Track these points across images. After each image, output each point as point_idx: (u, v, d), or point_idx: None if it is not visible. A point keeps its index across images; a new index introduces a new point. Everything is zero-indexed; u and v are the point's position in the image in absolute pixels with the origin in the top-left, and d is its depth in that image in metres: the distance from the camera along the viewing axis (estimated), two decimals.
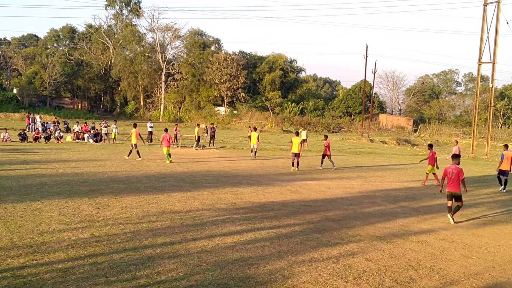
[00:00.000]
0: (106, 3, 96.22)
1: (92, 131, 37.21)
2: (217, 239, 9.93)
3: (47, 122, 42.59)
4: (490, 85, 43.72)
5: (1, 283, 6.95)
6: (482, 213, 14.92)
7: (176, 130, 39.05)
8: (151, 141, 38.07)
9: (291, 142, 24.93)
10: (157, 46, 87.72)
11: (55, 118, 50.64)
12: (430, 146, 22.31)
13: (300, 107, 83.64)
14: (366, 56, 66.44)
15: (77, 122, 41.69)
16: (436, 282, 8.09)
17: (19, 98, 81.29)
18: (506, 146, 22.20)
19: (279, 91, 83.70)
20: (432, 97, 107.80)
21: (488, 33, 41.18)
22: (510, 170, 20.96)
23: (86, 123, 40.98)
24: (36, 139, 33.88)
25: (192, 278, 7.55)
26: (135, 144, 25.90)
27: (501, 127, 78.91)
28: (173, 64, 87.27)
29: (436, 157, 21.29)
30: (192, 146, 35.40)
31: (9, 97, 78.59)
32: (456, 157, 13.88)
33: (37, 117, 43.93)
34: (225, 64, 79.89)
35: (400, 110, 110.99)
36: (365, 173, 24.18)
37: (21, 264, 7.80)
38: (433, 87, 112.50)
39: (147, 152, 30.11)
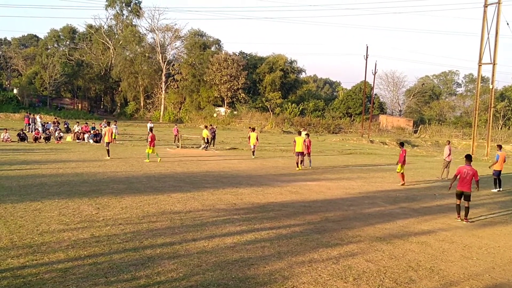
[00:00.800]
0: (107, 3, 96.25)
1: (92, 132, 37.20)
2: (217, 239, 9.94)
3: (47, 123, 42.56)
4: (490, 86, 43.74)
5: (1, 283, 6.95)
6: (482, 214, 14.93)
7: (176, 130, 39.04)
8: None
9: (295, 141, 25.06)
10: (158, 47, 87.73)
11: (55, 118, 50.61)
12: (401, 144, 22.08)
13: (300, 108, 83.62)
14: (367, 57, 66.44)
15: (77, 122, 41.68)
16: (436, 283, 8.10)
17: (19, 98, 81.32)
18: (499, 147, 22.39)
19: (279, 92, 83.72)
20: (432, 98, 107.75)
21: (488, 34, 41.22)
22: (501, 170, 21.22)
23: (86, 123, 40.94)
24: (36, 139, 33.86)
25: (192, 278, 7.56)
26: (108, 143, 25.89)
27: (501, 128, 78.84)
28: (173, 64, 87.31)
29: (405, 156, 20.79)
30: (199, 147, 35.31)
31: (9, 97, 78.62)
32: (469, 157, 14.15)
33: (37, 117, 43.89)
34: (225, 65, 79.90)
35: (400, 111, 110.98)
36: (365, 174, 24.19)
37: (21, 264, 7.81)
38: (433, 88, 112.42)
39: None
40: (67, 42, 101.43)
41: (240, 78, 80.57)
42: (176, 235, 10.09)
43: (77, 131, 37.57)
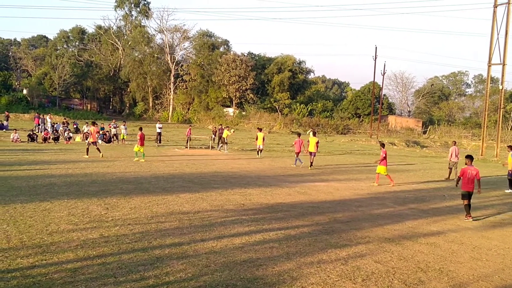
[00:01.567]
0: (116, 4, 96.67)
1: (101, 132, 37.32)
2: (226, 240, 9.93)
3: (56, 123, 42.74)
4: (500, 87, 43.54)
5: (11, 283, 6.98)
6: (491, 215, 14.85)
7: (189, 131, 39.09)
8: (160, 142, 38.12)
9: (308, 141, 25.88)
10: (166, 47, 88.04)
11: (64, 119, 50.85)
12: (382, 145, 21.93)
13: (309, 109, 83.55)
14: (375, 58, 66.34)
15: (87, 123, 41.86)
16: (445, 284, 8.05)
17: (29, 98, 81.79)
18: (510, 147, 22.20)
19: (288, 93, 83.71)
20: (442, 98, 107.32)
21: (498, 34, 41.03)
22: None
23: (96, 124, 41.02)
24: (45, 139, 34.03)
25: (200, 279, 7.55)
26: (94, 142, 26.12)
27: (511, 129, 78.36)
28: (182, 65, 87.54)
29: (384, 157, 20.78)
30: (207, 147, 35.38)
31: (19, 97, 79.07)
32: (470, 158, 14.33)
33: (47, 117, 44.10)
34: (234, 65, 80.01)
35: (409, 111, 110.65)
36: (374, 175, 24.05)
37: (30, 264, 7.83)
38: (443, 88, 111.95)
39: (155, 152, 30.21)
40: (76, 43, 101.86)
41: (249, 79, 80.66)
42: (184, 236, 10.10)
43: (86, 132, 37.69)
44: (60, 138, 35.28)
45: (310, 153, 25.61)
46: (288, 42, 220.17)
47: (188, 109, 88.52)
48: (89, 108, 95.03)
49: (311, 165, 25.41)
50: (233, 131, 40.01)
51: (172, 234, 10.20)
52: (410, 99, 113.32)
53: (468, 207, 13.93)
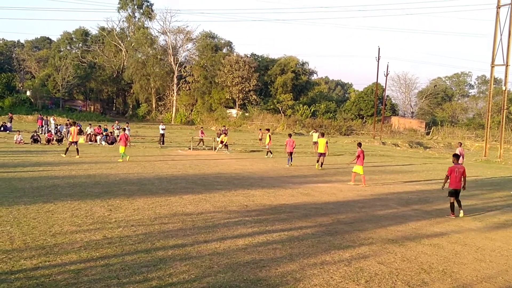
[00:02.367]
0: (119, 6, 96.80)
1: (104, 133, 37.39)
2: (229, 241, 9.94)
3: (60, 125, 42.80)
4: (503, 88, 43.43)
5: (14, 284, 7.00)
6: (495, 216, 14.82)
7: (202, 133, 39.05)
8: (163, 143, 38.13)
9: (317, 142, 26.66)
10: (169, 49, 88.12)
11: (68, 120, 50.91)
12: (359, 144, 21.79)
13: (312, 110, 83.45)
14: (378, 59, 66.30)
15: (90, 124, 41.89)
16: (448, 286, 8.04)
17: (32, 100, 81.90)
18: None
19: (291, 94, 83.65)
20: (445, 99, 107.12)
21: (501, 35, 40.95)
22: None
23: (100, 126, 41.09)
24: (48, 141, 34.09)
25: (203, 280, 7.56)
26: (75, 142, 26.18)
27: None
28: (185, 66, 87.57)
29: (358, 156, 20.66)
30: (210, 148, 35.46)
31: (22, 99, 79.17)
32: (457, 156, 14.98)
33: (51, 119, 44.15)
34: (237, 67, 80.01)
35: (412, 112, 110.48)
36: (377, 176, 24.10)
37: (34, 265, 7.85)
38: (446, 89, 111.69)
39: (158, 154, 30.24)
40: (80, 45, 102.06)
41: (252, 80, 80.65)
42: (187, 237, 10.11)
43: (90, 133, 37.77)
44: (63, 140, 35.31)
45: (320, 154, 25.92)
46: (291, 43, 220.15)
47: (191, 110, 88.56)
48: (92, 109, 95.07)
49: (321, 165, 25.87)
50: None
51: (175, 235, 10.21)
52: (413, 100, 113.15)
53: (453, 205, 14.38)
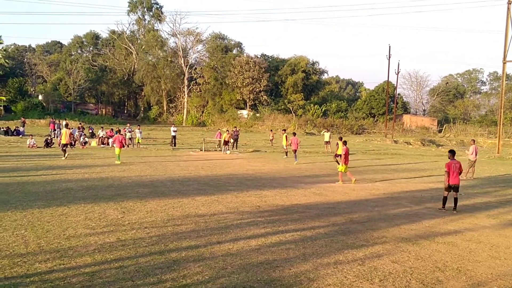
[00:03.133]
0: (129, 9, 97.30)
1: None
2: (242, 242, 9.94)
3: (72, 128, 43.00)
4: None
5: None
6: (509, 213, 14.71)
7: (220, 134, 39.07)
8: (175, 145, 38.24)
9: (337, 144, 26.09)
10: (180, 51, 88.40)
11: (80, 123, 51.22)
12: (344, 142, 21.41)
13: (323, 109, 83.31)
14: (389, 57, 65.91)
15: (102, 127, 42.09)
16: (463, 284, 7.99)
17: (44, 104, 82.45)
18: None
19: (302, 93, 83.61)
20: (457, 97, 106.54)
21: None
22: None
23: (112, 129, 41.28)
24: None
25: (217, 281, 7.56)
26: (65, 144, 26.39)
27: None
28: (196, 68, 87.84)
29: (342, 154, 20.51)
30: (222, 150, 35.49)
31: (34, 103, 79.72)
32: (453, 152, 15.44)
33: (64, 123, 44.33)
34: (247, 67, 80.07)
35: (424, 110, 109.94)
36: (389, 175, 24.00)
37: (48, 268, 7.89)
38: (458, 86, 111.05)
39: (170, 155, 30.32)
40: (90, 48, 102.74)
41: (262, 81, 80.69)
42: (201, 238, 10.12)
43: (102, 136, 37.96)
44: (76, 143, 35.51)
45: (338, 155, 25.55)
46: (301, 43, 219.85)
47: (202, 112, 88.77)
48: (104, 112, 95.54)
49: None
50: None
51: (189, 237, 10.22)
52: (425, 98, 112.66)
53: (446, 199, 14.85)
